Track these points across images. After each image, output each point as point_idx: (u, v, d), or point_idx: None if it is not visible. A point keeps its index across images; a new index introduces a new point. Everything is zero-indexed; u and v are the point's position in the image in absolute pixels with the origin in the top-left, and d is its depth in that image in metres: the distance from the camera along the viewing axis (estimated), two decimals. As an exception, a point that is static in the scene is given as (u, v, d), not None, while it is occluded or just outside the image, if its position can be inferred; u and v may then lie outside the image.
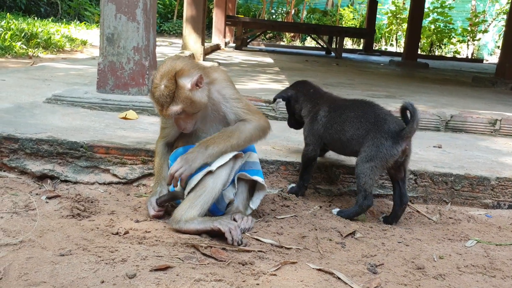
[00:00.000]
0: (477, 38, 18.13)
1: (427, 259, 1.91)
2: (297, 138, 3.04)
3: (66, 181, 2.44)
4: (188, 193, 2.01)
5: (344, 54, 12.70)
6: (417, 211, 2.45)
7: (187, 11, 7.49)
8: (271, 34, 19.74)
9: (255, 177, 2.15)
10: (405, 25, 17.58)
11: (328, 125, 2.36)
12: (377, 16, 15.55)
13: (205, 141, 2.01)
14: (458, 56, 17.94)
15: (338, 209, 2.30)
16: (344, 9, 20.93)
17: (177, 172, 1.95)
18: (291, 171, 2.52)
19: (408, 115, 2.18)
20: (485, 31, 18.20)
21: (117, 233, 1.92)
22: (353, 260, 1.87)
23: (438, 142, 3.24)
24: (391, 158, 2.15)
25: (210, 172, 1.98)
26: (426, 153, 2.94)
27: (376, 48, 18.21)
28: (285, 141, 2.95)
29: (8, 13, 10.85)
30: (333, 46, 13.21)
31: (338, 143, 2.34)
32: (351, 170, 2.52)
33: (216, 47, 10.92)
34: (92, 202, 2.23)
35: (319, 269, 1.75)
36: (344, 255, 1.91)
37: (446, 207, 2.53)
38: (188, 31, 7.52)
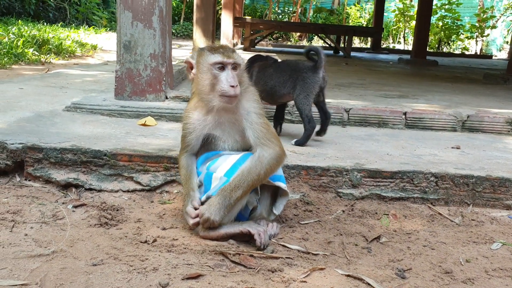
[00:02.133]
0: (485, 34, 18.02)
1: (454, 263, 1.92)
2: (316, 139, 3.06)
3: (90, 189, 2.47)
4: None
5: (352, 53, 12.67)
6: (439, 214, 2.45)
7: (196, 14, 7.53)
8: (277, 34, 19.75)
9: (278, 183, 2.16)
10: (412, 23, 17.52)
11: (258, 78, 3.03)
12: (384, 14, 15.51)
13: (228, 189, 1.97)
14: (466, 52, 17.84)
15: (294, 140, 2.95)
16: (350, 8, 20.90)
17: (206, 224, 1.98)
18: (312, 175, 2.54)
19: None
20: (494, 26, 18.09)
21: (145, 242, 1.95)
22: (381, 265, 1.88)
23: (455, 143, 3.24)
24: (316, 84, 2.88)
25: None
26: (445, 154, 2.94)
27: (384, 46, 18.17)
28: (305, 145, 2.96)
29: (19, 20, 10.93)
30: (341, 45, 13.19)
31: (268, 91, 3.00)
32: (373, 174, 2.53)
33: (225, 49, 10.93)
34: (117, 210, 2.26)
35: (348, 275, 1.76)
36: (371, 260, 1.92)
37: (468, 209, 2.53)
38: (198, 34, 7.56)
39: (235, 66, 2.04)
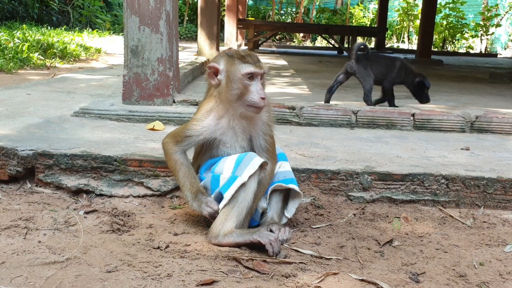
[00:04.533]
0: (490, 32, 17.95)
1: (467, 266, 1.91)
2: (323, 143, 3.06)
3: (101, 195, 2.48)
4: (222, 207, 2.03)
5: (356, 53, 12.64)
6: (450, 216, 2.44)
7: (201, 17, 7.54)
8: (280, 35, 19.75)
9: (291, 185, 2.17)
10: (416, 22, 17.49)
11: None
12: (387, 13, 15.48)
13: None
14: (471, 51, 17.78)
15: None
16: (354, 8, 20.87)
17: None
18: (322, 179, 2.53)
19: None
20: (498, 25, 18.03)
21: (158, 247, 1.95)
22: (394, 269, 1.88)
23: (465, 144, 3.23)
24: (344, 66, 4.31)
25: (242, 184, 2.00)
26: (455, 156, 2.93)
27: (388, 45, 18.13)
28: (313, 147, 2.96)
29: (23, 24, 10.97)
30: (345, 45, 13.18)
31: None
32: (383, 176, 2.53)
33: (229, 51, 10.94)
34: (129, 216, 2.26)
35: (362, 280, 1.76)
36: (384, 264, 1.91)
37: (479, 211, 2.52)
38: (202, 37, 7.57)
39: (262, 76, 2.07)
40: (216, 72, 2.08)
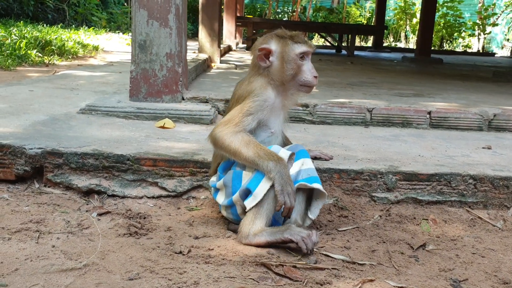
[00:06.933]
0: (487, 31, 17.95)
1: (509, 272, 1.81)
2: (341, 142, 2.95)
3: (113, 195, 2.35)
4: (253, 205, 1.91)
5: (354, 52, 12.57)
6: (479, 218, 2.34)
7: (202, 15, 7.41)
8: (278, 33, 19.62)
9: (315, 185, 2.04)
10: (413, 20, 17.44)
11: None
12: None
13: None
14: (468, 50, 17.77)
15: None
16: (350, 7, 20.80)
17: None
18: (345, 179, 2.42)
19: None
20: (495, 24, 18.03)
21: (180, 252, 1.83)
22: (432, 275, 1.77)
23: (485, 143, 3.13)
24: None
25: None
26: (478, 155, 2.83)
27: (385, 44, 18.07)
28: (331, 146, 2.85)
29: (18, 21, 10.77)
30: (343, 43, 13.09)
31: None
32: (409, 176, 2.42)
33: (228, 49, 10.82)
34: (145, 218, 2.14)
35: (402, 287, 1.65)
36: (421, 270, 1.80)
37: (508, 212, 2.42)
38: (203, 34, 7.44)
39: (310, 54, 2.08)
40: (267, 54, 2.03)
